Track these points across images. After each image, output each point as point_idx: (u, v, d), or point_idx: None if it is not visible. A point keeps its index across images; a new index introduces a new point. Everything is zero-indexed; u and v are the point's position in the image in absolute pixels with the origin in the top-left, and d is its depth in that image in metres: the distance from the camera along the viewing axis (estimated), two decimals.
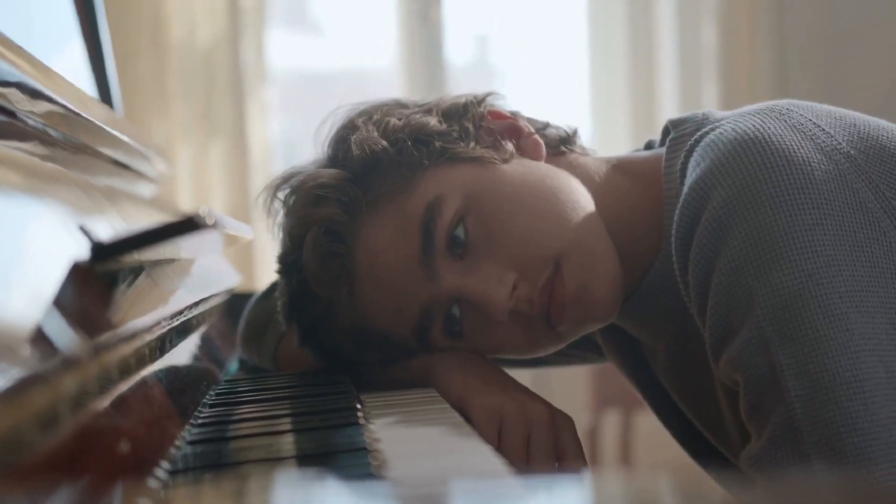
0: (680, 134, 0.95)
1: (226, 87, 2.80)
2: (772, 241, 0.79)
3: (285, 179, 1.00)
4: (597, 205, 0.96)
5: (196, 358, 0.95)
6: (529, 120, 1.03)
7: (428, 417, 0.81)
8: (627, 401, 2.76)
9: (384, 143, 0.93)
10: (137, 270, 0.71)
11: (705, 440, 1.05)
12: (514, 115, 1.01)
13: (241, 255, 2.70)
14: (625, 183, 0.98)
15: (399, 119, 0.96)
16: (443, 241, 0.90)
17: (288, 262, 0.98)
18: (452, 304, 0.93)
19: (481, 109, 0.99)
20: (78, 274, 0.53)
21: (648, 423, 3.01)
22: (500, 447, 0.83)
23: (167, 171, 1.29)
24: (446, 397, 0.89)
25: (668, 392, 1.06)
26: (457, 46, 3.12)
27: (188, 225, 0.55)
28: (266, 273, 2.78)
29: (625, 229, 0.96)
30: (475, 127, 0.97)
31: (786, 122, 0.85)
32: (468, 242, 0.91)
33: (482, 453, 0.67)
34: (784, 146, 0.82)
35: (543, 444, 0.85)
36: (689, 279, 0.85)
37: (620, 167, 1.00)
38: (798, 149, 0.82)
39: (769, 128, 0.84)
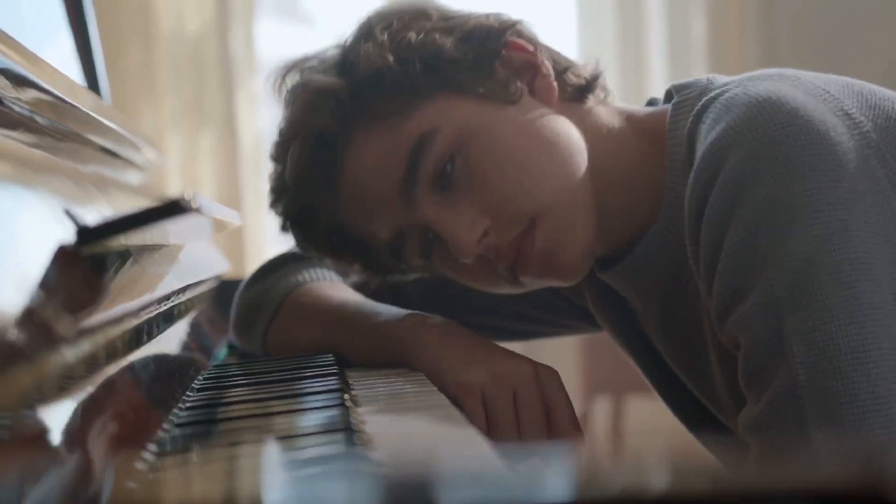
0: (684, 98, 0.94)
1: (215, 78, 2.80)
2: (789, 203, 0.79)
3: (295, 66, 1.00)
4: (597, 161, 0.95)
5: (184, 343, 0.95)
6: (554, 57, 1.00)
7: (415, 401, 0.82)
8: (618, 386, 2.77)
9: (391, 60, 0.92)
10: (124, 256, 0.71)
11: (695, 402, 1.05)
12: (538, 49, 0.98)
13: (231, 242, 2.71)
14: (632, 140, 0.97)
15: (416, 34, 0.94)
16: (427, 175, 0.91)
17: (277, 153, 0.98)
18: (428, 231, 0.94)
19: (504, 39, 0.96)
20: (63, 258, 0.54)
21: (639, 409, 3.02)
22: (487, 422, 0.84)
23: (156, 160, 1.30)
24: (425, 374, 0.89)
25: (659, 353, 1.06)
26: None
27: (173, 208, 0.56)
28: (256, 261, 2.79)
29: (623, 188, 0.95)
30: (492, 57, 0.95)
31: (797, 86, 0.85)
32: (452, 180, 0.91)
33: (468, 437, 0.67)
34: (801, 108, 0.82)
35: (531, 408, 0.85)
36: (699, 239, 0.85)
37: (631, 121, 0.99)
38: (814, 111, 0.82)
39: (785, 90, 0.84)
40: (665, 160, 0.93)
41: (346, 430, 0.64)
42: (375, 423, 0.70)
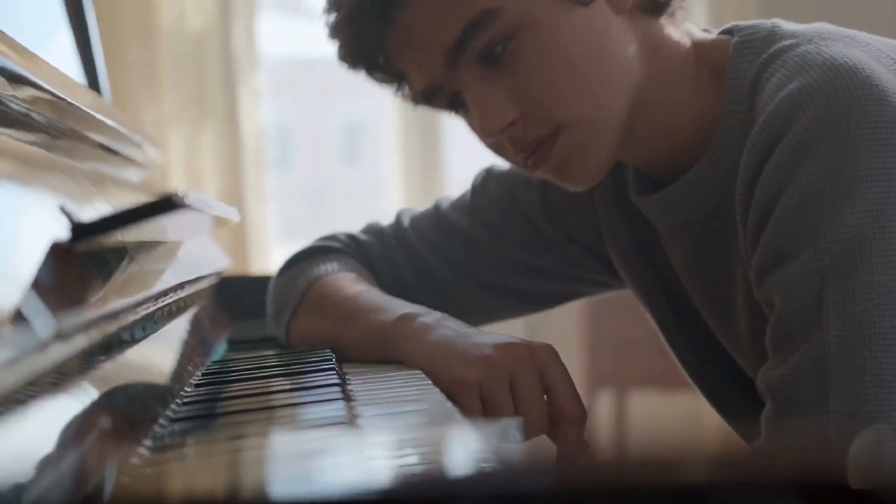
0: (748, 38, 0.92)
1: (217, 74, 2.81)
2: (852, 174, 0.79)
3: None
4: (652, 81, 0.93)
5: (183, 339, 0.96)
6: None
7: (410, 393, 0.82)
8: (621, 381, 2.78)
9: None
10: (121, 252, 0.72)
11: (710, 353, 1.05)
12: None
13: (233, 238, 2.72)
14: (692, 68, 0.95)
15: None
16: (476, 49, 0.90)
17: None
18: (460, 96, 0.94)
19: None
20: (57, 254, 0.54)
21: (642, 403, 3.03)
22: (486, 414, 0.84)
23: (157, 157, 1.30)
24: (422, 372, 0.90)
25: (675, 296, 1.06)
26: None
27: (165, 205, 0.56)
28: (259, 256, 2.80)
29: (672, 114, 0.95)
30: None
31: (868, 53, 0.85)
32: (499, 59, 0.91)
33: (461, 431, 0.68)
34: (875, 79, 0.81)
35: (529, 392, 0.85)
36: (753, 192, 0.85)
37: (696, 48, 0.96)
38: (886, 82, 0.81)
39: (860, 58, 0.83)
40: (721, 98, 0.92)
41: (341, 423, 0.64)
42: (368, 416, 0.70)
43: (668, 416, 3.15)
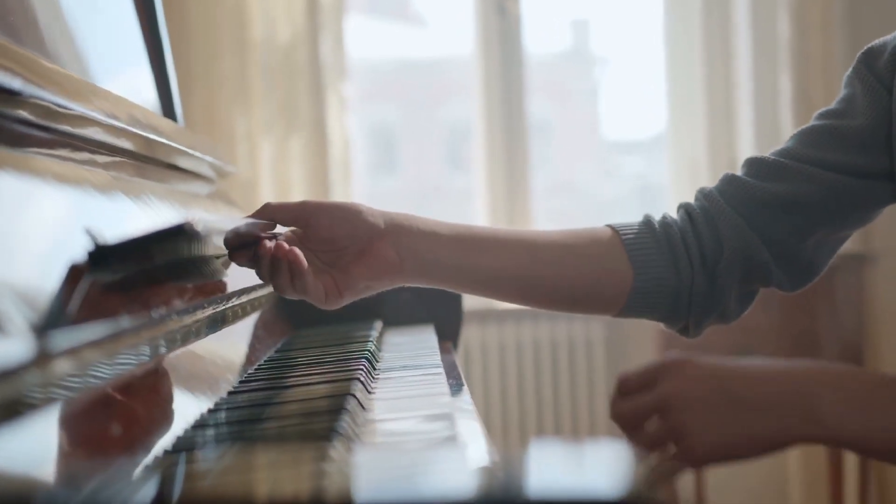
0: None
1: (306, 83, 2.97)
2: None
3: None
4: None
5: (251, 339, 1.12)
6: None
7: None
8: None
9: None
10: (188, 262, 0.88)
11: None
12: None
13: None
14: None
15: None
16: None
17: None
18: None
19: None
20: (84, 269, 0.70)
21: None
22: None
23: (230, 170, 1.46)
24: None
25: None
26: (536, 36, 3.24)
27: (177, 232, 0.69)
28: None
29: None
30: None
31: None
32: None
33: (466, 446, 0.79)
34: None
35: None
36: None
37: None
38: None
39: None
40: None
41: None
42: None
43: None
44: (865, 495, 2.57)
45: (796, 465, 3.14)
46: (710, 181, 3.26)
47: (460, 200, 3.40)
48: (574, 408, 3.16)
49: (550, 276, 1.06)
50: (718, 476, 3.15)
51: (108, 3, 1.20)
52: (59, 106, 0.76)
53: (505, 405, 3.14)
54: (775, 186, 1.10)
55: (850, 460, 2.77)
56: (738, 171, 1.13)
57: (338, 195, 3.00)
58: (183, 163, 1.19)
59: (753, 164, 1.12)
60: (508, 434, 3.11)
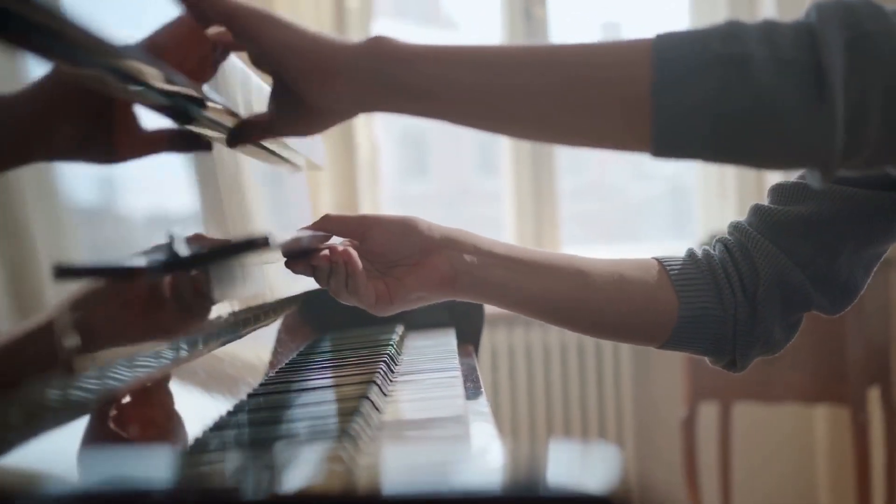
0: None
1: None
2: None
3: None
4: None
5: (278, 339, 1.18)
6: None
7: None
8: (725, 392, 2.88)
9: None
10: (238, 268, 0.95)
11: None
12: None
13: None
14: None
15: None
16: None
17: None
18: None
19: None
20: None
21: (746, 415, 3.12)
22: None
23: (318, 163, 1.69)
24: None
25: None
26: (563, 39, 3.28)
27: (248, 244, 0.75)
28: None
29: None
30: None
31: None
32: None
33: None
34: None
35: None
36: None
37: None
38: None
39: None
40: None
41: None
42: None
43: (772, 426, 3.23)
44: (894, 496, 2.59)
45: (824, 464, 3.16)
46: (737, 183, 3.28)
47: (489, 203, 3.43)
48: (601, 412, 3.20)
49: (599, 301, 1.10)
50: (743, 476, 3.18)
51: None
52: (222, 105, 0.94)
53: (532, 408, 3.19)
54: (797, 208, 1.12)
55: (878, 458, 2.77)
56: (764, 200, 1.17)
57: (365, 199, 3.06)
58: (284, 153, 1.36)
59: (776, 190, 1.16)
60: (536, 436, 3.16)
